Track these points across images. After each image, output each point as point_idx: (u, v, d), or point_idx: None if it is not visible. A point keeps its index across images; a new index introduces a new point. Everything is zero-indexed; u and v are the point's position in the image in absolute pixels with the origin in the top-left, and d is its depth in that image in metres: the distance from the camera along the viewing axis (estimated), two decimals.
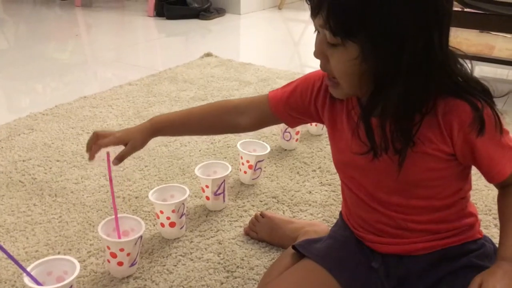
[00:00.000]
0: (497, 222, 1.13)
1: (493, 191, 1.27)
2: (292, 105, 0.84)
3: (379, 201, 0.77)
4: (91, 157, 0.91)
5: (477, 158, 0.70)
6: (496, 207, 1.17)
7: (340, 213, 0.90)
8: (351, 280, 0.79)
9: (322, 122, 0.83)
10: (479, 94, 0.68)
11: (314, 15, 0.65)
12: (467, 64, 0.70)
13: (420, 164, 0.71)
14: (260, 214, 1.08)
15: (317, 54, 0.69)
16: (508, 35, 3.11)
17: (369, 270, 0.80)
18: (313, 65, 2.82)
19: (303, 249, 0.84)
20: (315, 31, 0.69)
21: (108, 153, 0.92)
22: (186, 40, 2.93)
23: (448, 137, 0.69)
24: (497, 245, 0.74)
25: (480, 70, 2.52)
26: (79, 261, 0.96)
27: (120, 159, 0.91)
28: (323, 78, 0.79)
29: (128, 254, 0.92)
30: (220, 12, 3.46)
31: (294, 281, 0.79)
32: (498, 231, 1.10)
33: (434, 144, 0.69)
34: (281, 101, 0.85)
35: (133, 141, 0.90)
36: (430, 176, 0.73)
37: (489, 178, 0.73)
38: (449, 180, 0.75)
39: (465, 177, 0.77)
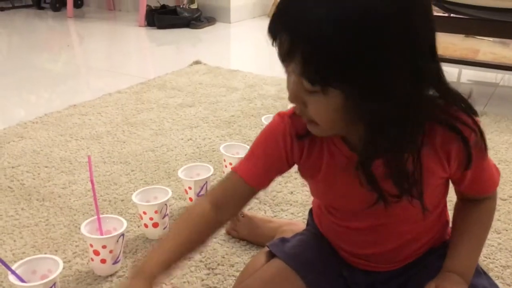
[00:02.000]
0: None
1: None
2: (274, 172, 0.76)
3: (371, 230, 0.75)
4: None
5: (467, 178, 0.72)
6: None
7: (310, 211, 0.91)
8: (317, 283, 0.79)
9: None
10: (469, 117, 0.67)
11: (285, 61, 0.59)
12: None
13: (431, 195, 0.71)
14: (241, 214, 1.11)
15: (292, 99, 0.63)
16: (492, 39, 3.16)
17: (337, 275, 0.81)
18: None
19: (274, 248, 0.84)
20: (286, 72, 0.62)
21: (89, 156, 0.98)
22: (177, 48, 2.98)
23: (446, 165, 0.68)
24: None
25: (465, 74, 2.56)
26: (64, 262, 0.99)
27: None
28: (287, 127, 0.72)
29: (111, 251, 0.95)
30: (210, 21, 3.51)
31: (264, 280, 0.79)
32: None
33: (436, 174, 0.69)
34: (258, 175, 0.75)
35: None
36: (430, 201, 0.72)
37: (476, 190, 0.75)
38: (441, 199, 0.77)
39: (446, 188, 0.77)
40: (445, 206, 0.81)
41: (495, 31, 2.15)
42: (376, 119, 0.60)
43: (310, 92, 0.60)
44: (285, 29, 0.58)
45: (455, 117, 0.65)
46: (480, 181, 0.74)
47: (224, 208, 0.76)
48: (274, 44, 0.60)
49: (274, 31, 0.59)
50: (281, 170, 0.76)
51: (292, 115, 0.72)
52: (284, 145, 0.73)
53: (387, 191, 0.67)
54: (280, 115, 0.74)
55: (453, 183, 0.75)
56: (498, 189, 1.31)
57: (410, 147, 0.64)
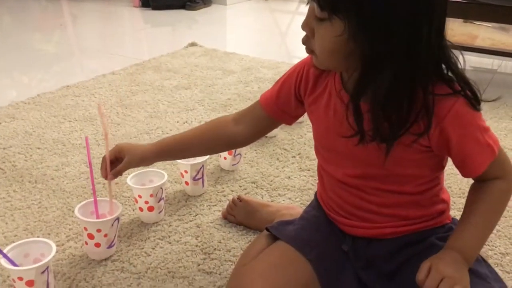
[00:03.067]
0: None
1: None
2: (283, 100, 0.84)
3: (355, 184, 0.78)
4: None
5: (452, 153, 0.72)
6: None
7: (315, 193, 0.92)
8: (320, 259, 0.80)
9: (304, 111, 0.84)
10: (463, 90, 0.68)
11: None
12: (459, 61, 0.70)
13: (401, 154, 0.72)
14: (238, 198, 1.10)
15: (303, 26, 0.69)
16: (490, 25, 3.14)
17: (339, 251, 0.82)
18: (300, 55, 2.82)
19: (276, 231, 0.86)
20: (307, 3, 0.69)
21: (86, 137, 0.96)
22: (172, 30, 2.93)
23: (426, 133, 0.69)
24: None
25: (463, 59, 2.54)
26: (57, 245, 0.98)
27: (115, 173, 0.91)
28: (305, 65, 0.80)
29: (106, 235, 0.93)
30: (206, 2, 3.45)
31: (269, 262, 0.81)
32: None
33: (413, 136, 0.69)
34: (271, 100, 0.85)
35: (130, 156, 0.91)
36: (408, 165, 0.74)
37: (463, 173, 0.74)
38: (425, 170, 0.76)
39: (441, 167, 0.78)
40: (438, 185, 0.80)
41: (495, 16, 2.13)
42: (372, 55, 0.64)
43: (319, 20, 0.65)
44: None
45: (449, 85, 0.68)
46: (468, 160, 0.72)
47: (241, 122, 0.89)
48: None
49: None
50: (289, 104, 0.84)
51: (311, 58, 0.77)
52: (296, 78, 0.82)
53: (366, 131, 0.69)
54: (306, 58, 0.81)
55: (450, 157, 0.74)
56: None
57: (402, 95, 0.66)
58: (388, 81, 0.65)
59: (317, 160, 0.86)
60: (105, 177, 0.92)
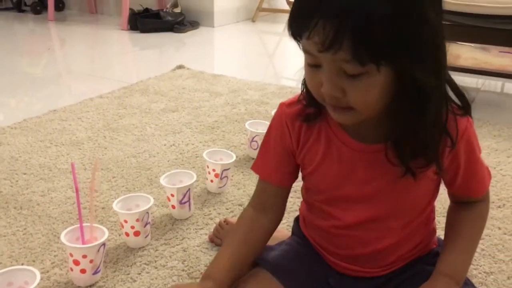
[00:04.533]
0: None
1: None
2: (284, 162, 0.80)
3: (363, 227, 0.76)
4: None
5: (459, 176, 0.73)
6: None
7: (296, 220, 0.91)
8: None
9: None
10: (466, 111, 0.70)
11: (330, 49, 0.58)
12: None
13: (420, 186, 0.72)
14: (224, 221, 1.10)
15: (332, 89, 0.62)
16: (473, 45, 3.20)
17: (323, 283, 0.81)
18: (287, 75, 2.88)
19: (258, 257, 0.83)
20: (313, 65, 0.63)
21: (72, 163, 0.97)
22: (160, 53, 2.95)
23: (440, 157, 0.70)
24: None
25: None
26: (42, 272, 0.97)
27: None
28: (287, 120, 0.77)
29: (91, 261, 0.93)
30: (194, 25, 3.49)
31: None
32: None
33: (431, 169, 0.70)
34: (276, 171, 0.81)
35: None
36: (418, 194, 0.74)
37: (467, 192, 0.76)
38: (429, 197, 0.77)
39: (437, 192, 0.79)
40: (433, 213, 0.81)
41: (476, 37, 2.17)
42: (422, 92, 0.63)
43: (354, 77, 0.60)
44: (328, 16, 0.57)
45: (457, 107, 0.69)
46: (472, 182, 0.74)
47: (268, 210, 0.83)
48: (309, 36, 0.59)
49: (310, 24, 0.58)
50: (291, 162, 0.80)
51: (288, 105, 0.77)
52: (284, 138, 0.78)
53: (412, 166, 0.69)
54: (279, 106, 0.79)
55: (446, 184, 0.76)
56: None
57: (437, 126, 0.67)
58: (433, 113, 0.65)
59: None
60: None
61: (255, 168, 0.84)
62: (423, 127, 0.65)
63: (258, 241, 0.83)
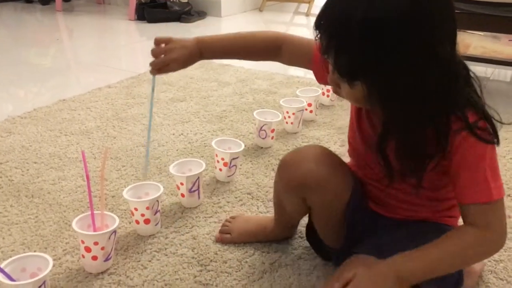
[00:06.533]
0: None
1: None
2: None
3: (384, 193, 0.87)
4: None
5: (452, 180, 0.76)
6: None
7: None
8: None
9: None
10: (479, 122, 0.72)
11: (324, 54, 0.72)
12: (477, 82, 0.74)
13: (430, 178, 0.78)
14: (230, 217, 1.11)
15: (330, 82, 0.77)
16: (482, 33, 3.17)
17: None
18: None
19: None
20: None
21: (83, 152, 0.97)
22: None
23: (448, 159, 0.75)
24: None
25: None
26: (54, 259, 0.98)
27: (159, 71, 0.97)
28: None
29: (103, 248, 0.94)
30: (201, 15, 3.48)
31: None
32: None
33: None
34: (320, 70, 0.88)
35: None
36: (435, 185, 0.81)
37: (456, 194, 0.78)
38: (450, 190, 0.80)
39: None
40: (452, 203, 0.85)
41: (486, 25, 2.16)
42: (392, 115, 0.72)
43: (341, 79, 0.72)
44: (325, 27, 0.70)
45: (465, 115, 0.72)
46: (468, 186, 0.74)
47: (287, 56, 0.96)
48: (316, 38, 0.72)
49: (318, 28, 0.71)
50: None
51: None
52: None
53: (395, 168, 0.76)
54: None
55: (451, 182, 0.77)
56: None
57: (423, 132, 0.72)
58: (415, 131, 0.72)
59: None
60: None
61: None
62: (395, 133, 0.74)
63: (259, 54, 1.00)
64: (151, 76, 0.98)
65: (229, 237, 1.06)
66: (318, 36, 0.71)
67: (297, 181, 0.86)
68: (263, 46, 0.97)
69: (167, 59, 0.94)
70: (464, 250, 0.75)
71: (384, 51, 0.64)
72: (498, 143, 0.73)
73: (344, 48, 0.67)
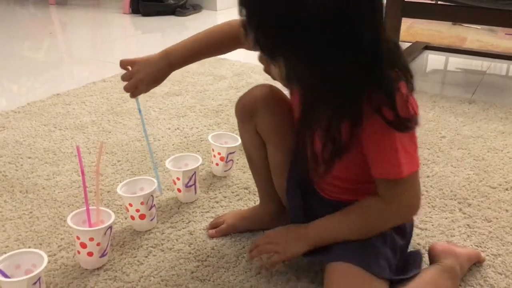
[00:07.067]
0: (461, 206, 1.16)
1: (459, 177, 1.31)
2: None
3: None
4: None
5: (366, 156, 0.79)
6: (461, 192, 1.21)
7: None
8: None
9: None
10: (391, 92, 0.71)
11: (244, 30, 0.71)
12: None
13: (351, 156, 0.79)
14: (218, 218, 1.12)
15: (259, 59, 0.81)
16: (479, 27, 3.17)
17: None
18: None
19: None
20: None
21: (77, 146, 0.97)
22: (162, 36, 2.93)
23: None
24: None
25: (452, 62, 2.56)
26: (49, 255, 0.97)
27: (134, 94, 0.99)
28: None
29: (98, 244, 0.93)
30: (196, 8, 3.46)
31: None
32: (463, 215, 1.14)
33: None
34: None
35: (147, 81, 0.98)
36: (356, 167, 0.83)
37: (371, 169, 0.80)
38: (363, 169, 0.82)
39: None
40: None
41: (483, 18, 2.15)
42: (311, 91, 0.75)
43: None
44: (246, 4, 0.69)
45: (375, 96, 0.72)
46: (377, 162, 0.78)
47: None
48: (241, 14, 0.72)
49: (240, 4, 0.70)
50: None
51: None
52: None
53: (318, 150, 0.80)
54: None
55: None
56: (487, 177, 1.32)
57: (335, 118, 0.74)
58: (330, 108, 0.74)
59: None
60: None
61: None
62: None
63: (223, 44, 0.98)
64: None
65: (224, 226, 1.06)
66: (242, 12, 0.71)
67: (248, 104, 0.95)
68: (224, 39, 0.98)
69: (134, 82, 0.96)
70: (365, 220, 0.84)
71: (298, 34, 0.65)
72: (409, 128, 0.74)
73: (262, 27, 0.68)
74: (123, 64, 0.97)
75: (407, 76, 0.74)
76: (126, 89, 0.97)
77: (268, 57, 0.72)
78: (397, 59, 0.74)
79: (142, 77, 0.95)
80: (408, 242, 0.93)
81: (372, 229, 0.84)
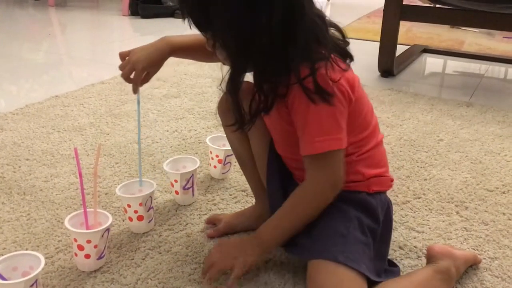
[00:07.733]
0: (458, 209, 1.17)
1: (456, 180, 1.31)
2: None
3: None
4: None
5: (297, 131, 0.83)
6: (458, 195, 1.21)
7: None
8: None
9: None
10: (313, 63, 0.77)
11: (181, 10, 0.81)
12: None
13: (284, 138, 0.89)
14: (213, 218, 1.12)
15: (206, 45, 0.84)
16: (477, 30, 3.18)
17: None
18: None
19: None
20: None
21: (75, 149, 0.96)
22: None
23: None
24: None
25: (450, 65, 2.57)
26: (46, 257, 0.97)
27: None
28: None
29: (95, 246, 0.93)
30: None
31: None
32: (460, 218, 1.14)
33: (283, 119, 0.85)
34: None
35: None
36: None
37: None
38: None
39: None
40: (356, 159, 0.87)
41: (481, 22, 2.16)
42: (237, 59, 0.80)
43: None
44: None
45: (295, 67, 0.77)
46: (300, 138, 0.82)
47: None
48: None
49: None
50: None
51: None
52: None
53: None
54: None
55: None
56: (485, 180, 1.32)
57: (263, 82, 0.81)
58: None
59: None
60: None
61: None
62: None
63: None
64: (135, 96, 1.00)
65: (221, 225, 1.06)
66: None
67: (226, 102, 0.98)
68: None
69: (130, 65, 0.95)
70: (297, 204, 0.85)
71: (215, 10, 0.74)
72: (326, 101, 0.77)
73: (187, 5, 0.79)
74: (122, 55, 0.97)
75: (340, 54, 0.81)
76: (124, 75, 0.96)
77: (201, 31, 0.80)
78: (324, 36, 0.80)
79: (137, 58, 0.95)
80: (388, 231, 0.92)
81: (305, 214, 0.84)
